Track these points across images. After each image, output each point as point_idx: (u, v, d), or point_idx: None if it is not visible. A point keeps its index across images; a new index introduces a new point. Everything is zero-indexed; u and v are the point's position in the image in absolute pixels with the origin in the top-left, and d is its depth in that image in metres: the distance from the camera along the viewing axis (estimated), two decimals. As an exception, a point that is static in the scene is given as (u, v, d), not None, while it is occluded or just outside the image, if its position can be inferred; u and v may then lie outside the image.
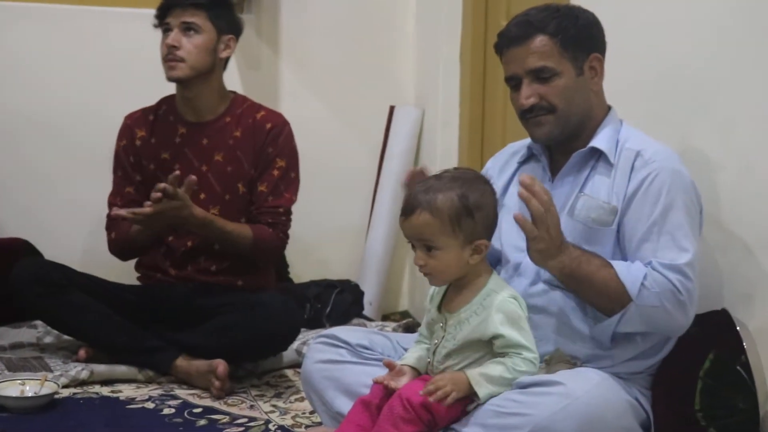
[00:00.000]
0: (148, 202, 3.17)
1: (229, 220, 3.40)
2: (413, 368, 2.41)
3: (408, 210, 2.31)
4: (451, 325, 2.34)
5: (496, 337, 2.27)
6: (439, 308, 2.40)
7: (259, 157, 3.46)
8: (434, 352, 2.38)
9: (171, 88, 3.51)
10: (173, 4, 3.41)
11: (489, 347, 2.30)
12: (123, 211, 3.23)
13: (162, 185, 3.16)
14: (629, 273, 2.33)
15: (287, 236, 3.50)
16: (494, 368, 2.26)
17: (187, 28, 3.39)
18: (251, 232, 3.39)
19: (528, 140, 2.64)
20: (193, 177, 3.22)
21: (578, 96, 2.48)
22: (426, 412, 2.26)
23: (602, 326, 2.38)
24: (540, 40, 2.44)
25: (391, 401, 2.30)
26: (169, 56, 3.39)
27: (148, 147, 3.53)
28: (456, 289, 2.37)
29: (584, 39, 2.49)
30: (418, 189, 2.33)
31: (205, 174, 3.46)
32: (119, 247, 3.55)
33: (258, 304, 3.33)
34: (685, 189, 2.41)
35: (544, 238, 2.29)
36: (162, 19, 3.43)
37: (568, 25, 2.46)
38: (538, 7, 2.52)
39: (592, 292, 2.36)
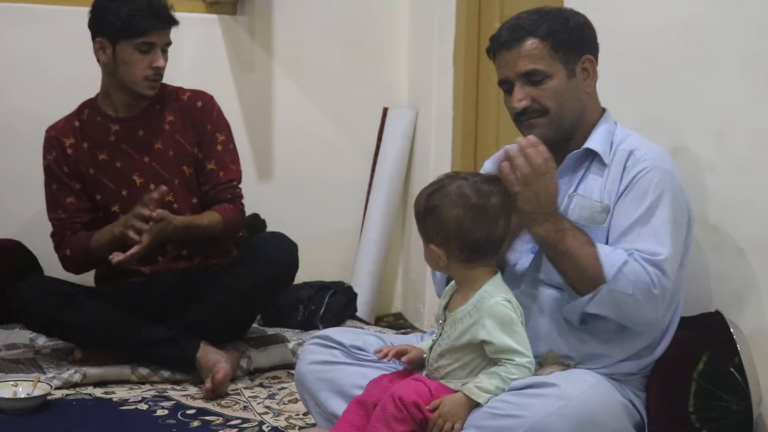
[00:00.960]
0: (137, 236, 3.21)
1: (185, 203, 3.45)
2: (419, 351, 2.45)
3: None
4: (447, 324, 2.34)
5: (485, 342, 2.27)
6: (446, 306, 2.41)
7: (200, 135, 3.52)
8: (431, 349, 2.38)
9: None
10: (159, 27, 3.38)
11: (481, 350, 2.30)
12: (121, 256, 3.23)
13: (146, 213, 3.21)
14: (610, 256, 2.33)
15: (243, 205, 3.58)
16: (490, 382, 2.25)
17: (166, 48, 3.42)
18: (220, 217, 3.46)
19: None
20: (164, 187, 3.25)
21: (570, 98, 2.49)
22: (418, 411, 2.27)
23: (573, 305, 2.38)
24: (531, 43, 2.46)
25: (383, 401, 2.30)
26: (156, 76, 3.41)
27: (81, 153, 3.49)
28: (462, 289, 2.37)
29: (575, 41, 2.50)
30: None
31: (149, 164, 3.48)
32: (76, 263, 3.51)
33: (250, 248, 3.41)
34: (673, 190, 2.42)
35: (529, 199, 2.32)
36: (140, 37, 3.37)
37: (559, 27, 2.47)
38: (529, 11, 2.53)
39: (569, 265, 2.35)
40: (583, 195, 2.45)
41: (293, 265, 3.46)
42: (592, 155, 2.50)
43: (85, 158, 3.49)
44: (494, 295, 2.30)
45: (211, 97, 3.57)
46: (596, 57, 2.55)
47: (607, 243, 2.41)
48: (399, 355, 2.45)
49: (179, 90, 3.57)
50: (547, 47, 2.45)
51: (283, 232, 3.53)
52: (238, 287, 3.36)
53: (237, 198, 3.54)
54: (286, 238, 3.49)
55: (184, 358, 3.33)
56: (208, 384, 3.19)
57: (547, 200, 2.33)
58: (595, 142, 2.49)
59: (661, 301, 2.35)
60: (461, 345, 2.30)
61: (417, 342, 2.57)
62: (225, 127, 3.57)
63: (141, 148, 3.49)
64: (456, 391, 2.29)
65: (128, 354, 3.37)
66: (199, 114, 3.52)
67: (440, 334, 2.36)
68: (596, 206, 2.43)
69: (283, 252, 3.44)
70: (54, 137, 3.52)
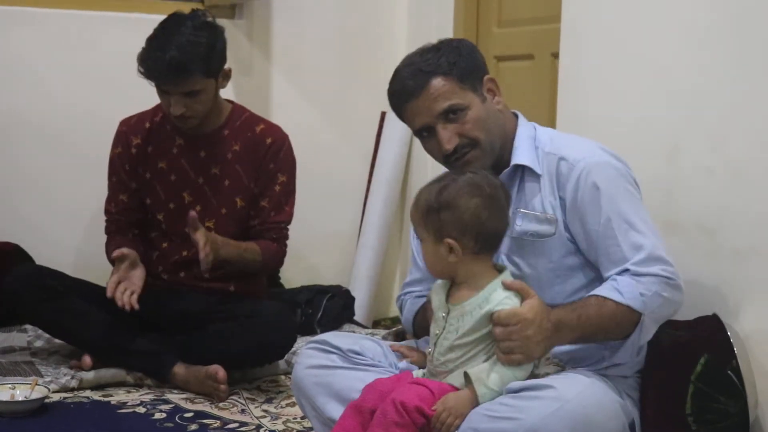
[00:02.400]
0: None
1: (223, 234, 3.40)
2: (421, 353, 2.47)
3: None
4: (453, 317, 2.34)
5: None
6: (446, 298, 2.41)
7: (260, 172, 3.45)
8: (435, 344, 2.37)
9: None
10: (162, 78, 3.25)
11: (490, 342, 2.31)
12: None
13: (193, 214, 3.16)
14: (624, 293, 2.31)
15: (287, 246, 3.53)
16: (493, 379, 2.27)
17: (189, 94, 3.28)
18: (259, 249, 3.41)
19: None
20: (193, 213, 3.18)
21: (491, 121, 2.46)
22: (421, 416, 2.26)
23: (625, 349, 2.37)
24: (437, 82, 2.42)
25: (384, 406, 2.29)
26: (179, 120, 3.33)
27: (144, 155, 3.51)
28: (467, 283, 2.37)
29: (474, 67, 2.46)
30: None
31: (201, 186, 3.46)
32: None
33: (255, 314, 3.33)
34: (617, 176, 2.40)
35: (534, 349, 2.25)
36: (156, 84, 3.30)
37: (456, 58, 2.44)
38: (418, 54, 2.49)
39: (605, 334, 2.35)
40: (526, 211, 2.44)
41: (287, 347, 3.39)
42: (521, 169, 2.48)
43: (145, 161, 3.50)
44: (501, 291, 2.32)
45: (283, 136, 3.50)
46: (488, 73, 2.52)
47: (582, 259, 2.42)
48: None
49: (254, 120, 3.51)
50: (454, 81, 2.42)
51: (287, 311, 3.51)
52: (230, 343, 3.32)
53: (282, 239, 3.49)
54: (291, 321, 3.50)
55: (159, 374, 3.35)
56: (221, 386, 3.20)
57: (544, 322, 2.25)
58: (521, 155, 2.46)
59: (679, 281, 2.35)
60: (472, 339, 2.31)
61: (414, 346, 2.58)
62: (289, 168, 3.50)
63: (198, 169, 3.47)
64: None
65: (105, 358, 3.37)
66: (266, 151, 3.45)
67: (444, 327, 2.36)
68: (542, 219, 2.42)
69: (283, 336, 3.36)
70: (124, 132, 3.53)
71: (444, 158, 2.47)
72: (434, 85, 2.42)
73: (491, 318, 2.26)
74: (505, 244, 2.45)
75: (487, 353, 2.30)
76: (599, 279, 2.42)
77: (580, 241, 2.43)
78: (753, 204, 2.57)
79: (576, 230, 2.42)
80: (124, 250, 3.30)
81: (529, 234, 2.43)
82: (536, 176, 2.45)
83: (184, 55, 3.20)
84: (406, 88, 2.45)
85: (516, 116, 2.56)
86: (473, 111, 2.43)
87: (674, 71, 2.83)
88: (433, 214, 2.32)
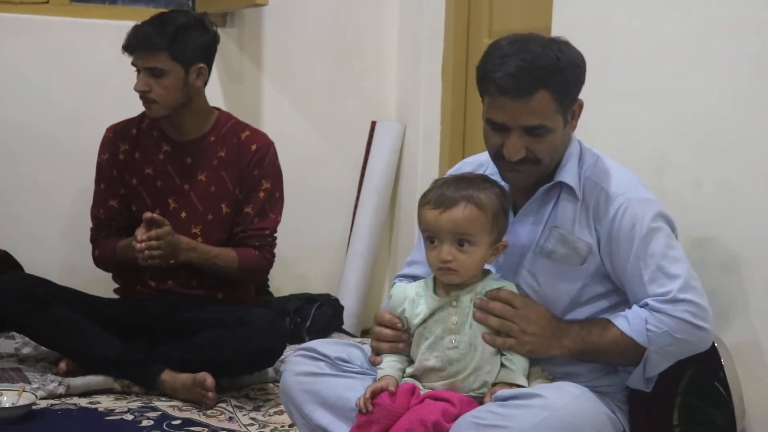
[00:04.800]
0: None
1: (210, 240, 3.41)
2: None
3: (449, 203, 2.31)
4: (466, 299, 2.34)
5: None
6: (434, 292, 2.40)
7: (245, 178, 3.47)
8: (458, 333, 2.34)
9: None
10: (132, 48, 3.36)
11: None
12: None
13: (148, 214, 3.24)
14: (632, 324, 2.31)
15: (273, 255, 3.53)
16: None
17: (152, 71, 3.34)
18: (236, 256, 3.42)
19: (484, 158, 2.56)
20: (148, 214, 3.26)
21: (561, 147, 2.39)
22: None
23: (634, 377, 2.37)
24: (543, 97, 2.25)
25: (409, 425, 2.24)
26: (142, 98, 3.39)
27: (131, 161, 3.52)
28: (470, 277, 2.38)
29: (576, 91, 2.35)
30: (446, 186, 2.35)
31: (188, 193, 3.47)
32: (104, 264, 3.58)
33: (245, 321, 3.33)
34: (655, 215, 2.35)
35: (527, 341, 2.27)
36: (130, 57, 3.39)
37: (570, 80, 2.30)
38: (532, 52, 2.26)
39: (606, 357, 2.35)
40: (564, 231, 2.39)
41: (277, 354, 3.40)
42: (560, 186, 2.42)
43: (132, 167, 3.52)
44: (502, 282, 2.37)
45: (268, 143, 3.52)
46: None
47: (611, 285, 2.40)
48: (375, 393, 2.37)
49: (240, 126, 3.53)
50: (556, 103, 2.27)
51: (277, 318, 3.51)
52: (219, 351, 3.32)
53: (266, 247, 3.49)
54: (282, 327, 3.50)
55: (146, 381, 3.34)
56: (209, 394, 3.21)
57: (544, 323, 2.28)
58: (567, 174, 2.40)
59: (705, 322, 2.31)
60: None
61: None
62: (274, 175, 3.51)
63: (184, 175, 3.48)
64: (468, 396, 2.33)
65: (92, 366, 3.36)
66: (251, 157, 3.47)
67: (456, 312, 2.35)
68: (577, 244, 2.37)
69: (273, 343, 3.38)
70: (111, 139, 3.56)
71: (498, 156, 2.36)
72: (538, 99, 2.25)
73: (496, 294, 2.28)
74: (528, 258, 2.41)
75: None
76: (626, 303, 2.39)
77: (609, 272, 2.39)
78: (740, 217, 2.58)
79: (606, 262, 2.39)
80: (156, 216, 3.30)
81: (558, 255, 2.39)
82: (575, 198, 2.39)
83: (154, 29, 3.33)
84: (508, 85, 2.24)
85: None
86: (553, 136, 2.31)
87: (663, 85, 2.84)
88: (501, 218, 2.34)
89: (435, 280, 2.42)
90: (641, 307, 2.33)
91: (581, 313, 2.40)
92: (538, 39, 2.32)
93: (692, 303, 2.30)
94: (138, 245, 3.23)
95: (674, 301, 2.29)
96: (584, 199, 2.39)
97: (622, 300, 2.41)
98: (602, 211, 2.36)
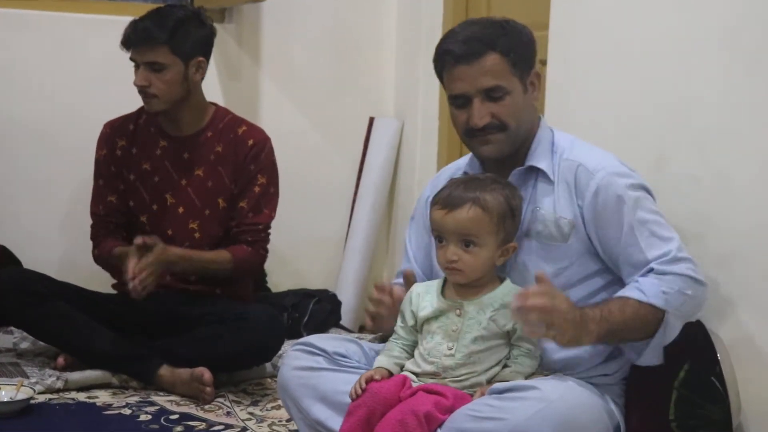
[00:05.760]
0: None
1: (208, 234, 3.42)
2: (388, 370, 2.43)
3: (455, 204, 2.34)
4: (471, 311, 2.35)
5: (515, 330, 2.34)
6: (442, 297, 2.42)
7: (241, 173, 3.47)
8: (456, 340, 2.36)
9: None
10: (131, 43, 3.36)
11: (506, 337, 2.35)
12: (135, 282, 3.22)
13: (139, 240, 3.24)
14: (646, 292, 2.32)
15: (267, 251, 3.54)
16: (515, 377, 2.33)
17: (153, 66, 3.34)
18: (230, 256, 3.43)
19: (462, 162, 2.65)
20: (138, 240, 3.25)
21: (525, 113, 2.47)
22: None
23: (651, 349, 2.36)
24: (492, 59, 2.39)
25: (402, 416, 2.25)
26: (142, 93, 3.38)
27: (129, 157, 3.53)
28: (478, 280, 2.39)
29: (528, 56, 2.46)
30: (456, 186, 2.38)
31: (185, 188, 3.47)
32: (102, 263, 3.58)
33: (243, 316, 3.33)
34: (636, 186, 2.43)
35: (567, 330, 2.23)
36: (128, 53, 3.39)
37: (516, 42, 2.43)
38: (481, 23, 2.48)
39: (631, 333, 2.35)
40: (546, 210, 2.44)
41: (275, 349, 3.40)
42: (536, 171, 2.48)
43: (130, 163, 3.52)
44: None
45: (265, 138, 3.52)
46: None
47: (601, 264, 2.44)
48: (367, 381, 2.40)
49: (237, 121, 3.53)
50: (507, 63, 2.40)
51: (275, 314, 3.52)
52: (217, 346, 3.33)
53: (259, 242, 3.49)
54: (280, 323, 3.50)
55: (144, 376, 3.34)
56: (207, 389, 3.21)
57: (573, 314, 2.24)
58: (538, 159, 2.47)
59: (703, 279, 2.38)
60: (497, 331, 2.34)
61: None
62: (269, 170, 3.52)
63: (181, 170, 3.49)
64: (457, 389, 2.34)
65: (90, 361, 3.36)
66: (247, 152, 3.47)
67: (461, 322, 2.36)
68: (560, 223, 2.41)
69: (271, 338, 3.38)
70: (109, 135, 3.56)
71: (467, 131, 2.46)
72: (489, 60, 2.39)
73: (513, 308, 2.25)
74: (520, 245, 2.45)
75: (502, 350, 2.36)
76: (618, 282, 2.43)
77: (598, 248, 2.43)
78: (738, 212, 2.58)
79: (594, 239, 2.42)
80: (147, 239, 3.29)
81: (542, 236, 2.43)
82: (550, 182, 2.45)
83: (153, 24, 3.32)
84: (460, 51, 2.40)
85: (539, 118, 2.56)
86: (513, 97, 2.42)
87: (661, 79, 2.84)
88: (508, 219, 2.36)
89: (445, 280, 2.44)
90: (645, 275, 2.35)
91: (576, 293, 2.42)
92: (487, 18, 2.52)
93: (690, 260, 2.37)
94: (130, 282, 3.20)
95: (676, 260, 2.35)
96: (563, 179, 2.44)
97: (616, 278, 2.44)
98: (583, 186, 2.42)
